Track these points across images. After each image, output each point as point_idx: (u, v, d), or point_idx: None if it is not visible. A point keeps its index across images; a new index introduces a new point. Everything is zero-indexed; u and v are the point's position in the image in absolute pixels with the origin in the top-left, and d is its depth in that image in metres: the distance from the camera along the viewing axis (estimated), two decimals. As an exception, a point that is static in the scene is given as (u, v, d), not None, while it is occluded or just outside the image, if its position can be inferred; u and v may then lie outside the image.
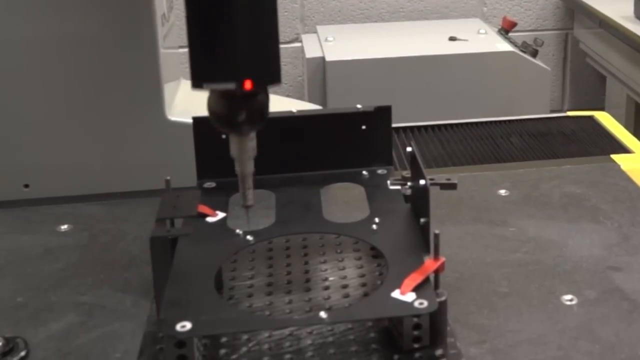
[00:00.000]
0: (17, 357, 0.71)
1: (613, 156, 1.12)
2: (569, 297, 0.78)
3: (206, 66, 0.64)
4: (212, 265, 0.71)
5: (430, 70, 2.12)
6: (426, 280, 0.66)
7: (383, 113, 0.86)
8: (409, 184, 0.81)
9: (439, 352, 0.68)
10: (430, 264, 0.68)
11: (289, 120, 0.85)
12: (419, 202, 0.75)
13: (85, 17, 0.98)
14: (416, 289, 0.65)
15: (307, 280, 0.74)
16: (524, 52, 2.23)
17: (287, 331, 0.70)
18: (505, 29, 2.38)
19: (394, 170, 0.87)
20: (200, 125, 0.82)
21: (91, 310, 0.79)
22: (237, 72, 0.64)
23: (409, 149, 0.78)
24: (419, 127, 1.28)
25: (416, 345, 0.68)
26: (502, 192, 1.01)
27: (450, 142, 1.23)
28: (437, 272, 0.68)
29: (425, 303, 0.64)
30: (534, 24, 2.73)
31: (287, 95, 2.42)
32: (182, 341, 0.64)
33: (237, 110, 0.66)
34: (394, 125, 0.87)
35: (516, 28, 2.43)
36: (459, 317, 0.75)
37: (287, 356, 0.68)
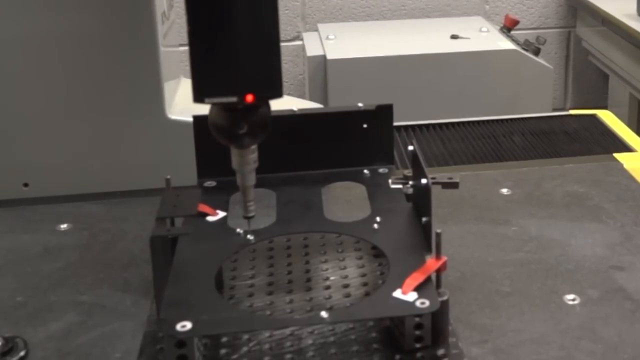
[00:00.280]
0: (17, 357, 0.71)
1: (616, 155, 1.12)
2: (571, 296, 0.78)
3: (208, 80, 0.64)
4: (212, 264, 0.71)
5: (432, 69, 2.12)
6: (428, 279, 0.66)
7: (384, 111, 0.86)
8: (410, 183, 0.81)
9: (440, 352, 0.68)
10: (431, 263, 0.67)
11: (289, 119, 0.85)
12: (420, 201, 0.75)
13: (85, 15, 0.98)
14: (418, 289, 0.65)
15: (308, 280, 0.74)
16: (526, 50, 2.22)
17: (288, 331, 0.70)
18: (508, 27, 2.38)
19: (396, 169, 0.87)
20: (201, 124, 0.81)
21: (91, 309, 0.79)
22: (238, 86, 0.64)
23: (410, 147, 0.78)
24: (420, 126, 1.27)
25: (418, 345, 0.68)
26: (504, 191, 1.01)
27: (452, 140, 1.23)
28: (438, 272, 0.67)
29: (427, 302, 0.64)
30: (536, 22, 2.73)
31: (288, 94, 2.41)
32: (182, 341, 0.63)
33: (238, 123, 0.66)
34: (395, 123, 0.86)
35: (518, 26, 2.43)
36: (460, 316, 0.75)
37: (288, 356, 0.68)
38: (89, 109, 1.02)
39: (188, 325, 0.62)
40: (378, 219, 0.76)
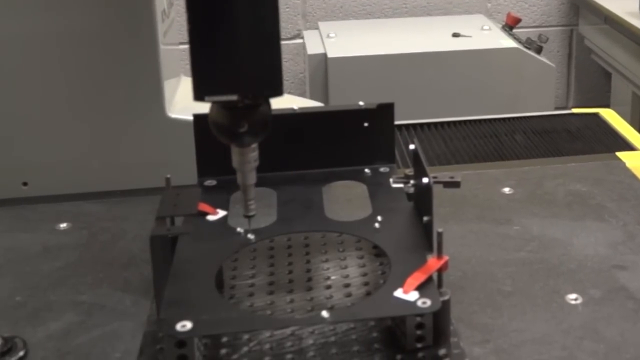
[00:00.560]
0: (16, 357, 0.71)
1: (618, 154, 1.11)
2: (573, 296, 0.78)
3: (208, 78, 0.64)
4: (212, 264, 0.70)
5: (433, 67, 2.11)
6: (429, 279, 0.66)
7: (385, 110, 0.85)
8: (411, 182, 0.81)
9: (442, 351, 0.68)
10: (433, 262, 0.67)
11: (290, 117, 0.85)
12: (421, 200, 0.75)
13: (84, 14, 0.98)
14: (419, 288, 0.65)
15: (309, 280, 0.74)
16: (529, 48, 2.22)
17: (288, 331, 0.70)
18: (510, 25, 2.38)
19: (397, 168, 0.86)
20: (201, 123, 0.81)
21: (90, 309, 0.78)
22: (239, 84, 0.64)
23: (411, 146, 0.78)
24: (421, 125, 1.27)
25: (419, 345, 0.68)
26: (506, 190, 1.01)
27: (453, 139, 1.22)
28: (440, 271, 0.67)
29: (429, 302, 0.63)
30: (538, 20, 2.72)
31: (289, 92, 2.42)
32: (182, 341, 0.63)
33: (238, 121, 0.66)
34: (396, 122, 0.86)
35: (520, 24, 2.42)
36: (462, 316, 0.74)
37: (289, 356, 0.67)
38: (89, 107, 1.01)
39: (188, 325, 0.61)
40: (379, 218, 0.76)
